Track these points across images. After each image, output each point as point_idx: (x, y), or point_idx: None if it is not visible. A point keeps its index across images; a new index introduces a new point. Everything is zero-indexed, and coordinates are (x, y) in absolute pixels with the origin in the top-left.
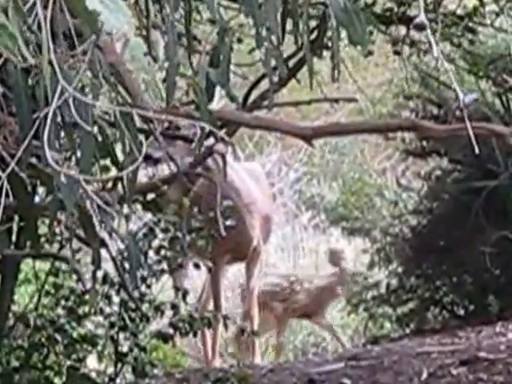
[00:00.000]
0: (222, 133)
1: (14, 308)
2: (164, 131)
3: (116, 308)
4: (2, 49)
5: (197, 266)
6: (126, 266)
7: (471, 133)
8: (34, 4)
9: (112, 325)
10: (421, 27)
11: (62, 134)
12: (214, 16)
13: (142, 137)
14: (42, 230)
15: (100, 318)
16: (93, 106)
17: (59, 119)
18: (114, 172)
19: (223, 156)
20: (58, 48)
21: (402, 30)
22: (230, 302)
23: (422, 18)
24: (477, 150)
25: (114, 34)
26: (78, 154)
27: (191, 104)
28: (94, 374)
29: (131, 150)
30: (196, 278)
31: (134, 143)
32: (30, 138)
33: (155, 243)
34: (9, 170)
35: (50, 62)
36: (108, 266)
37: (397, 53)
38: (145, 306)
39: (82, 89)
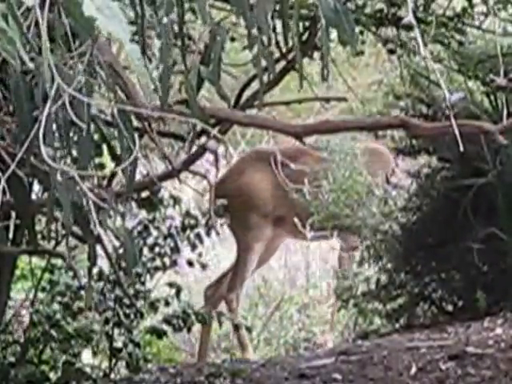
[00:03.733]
0: (214, 131)
1: (11, 303)
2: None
3: (111, 304)
4: (2, 51)
5: (190, 264)
6: (121, 262)
7: (460, 131)
8: (33, 8)
9: (107, 320)
10: (409, 27)
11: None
12: (205, 20)
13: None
14: (39, 226)
15: (95, 314)
16: (90, 104)
17: (60, 118)
18: (108, 170)
19: (216, 154)
20: (56, 49)
21: (393, 31)
22: None
23: (410, 17)
24: (462, 148)
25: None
26: (74, 152)
27: (185, 102)
28: (88, 369)
29: (129, 147)
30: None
31: (131, 141)
32: (30, 138)
33: (150, 240)
34: (10, 170)
35: (49, 63)
36: (102, 263)
37: (391, 51)
38: (139, 303)
39: (81, 89)
